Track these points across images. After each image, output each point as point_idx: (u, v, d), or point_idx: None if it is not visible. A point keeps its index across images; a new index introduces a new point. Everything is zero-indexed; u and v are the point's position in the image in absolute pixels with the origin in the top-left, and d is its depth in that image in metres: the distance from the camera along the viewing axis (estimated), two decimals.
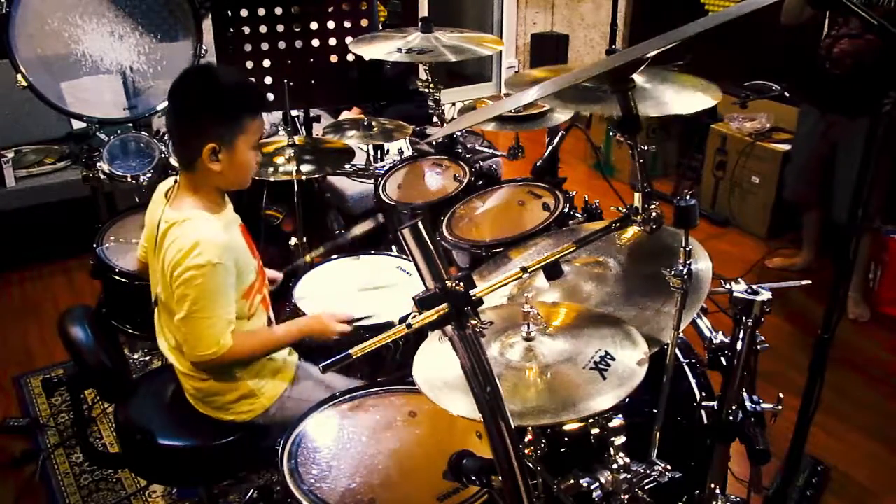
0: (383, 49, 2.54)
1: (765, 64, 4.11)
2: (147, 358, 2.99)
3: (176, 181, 1.84)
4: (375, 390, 1.78)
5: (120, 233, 2.67)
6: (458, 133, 2.73)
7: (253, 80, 2.75)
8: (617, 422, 1.36)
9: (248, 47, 2.77)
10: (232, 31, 2.74)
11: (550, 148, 2.48)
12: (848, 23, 3.05)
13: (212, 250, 1.67)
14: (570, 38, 6.14)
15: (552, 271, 1.65)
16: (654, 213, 1.37)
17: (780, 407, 1.45)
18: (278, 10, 2.76)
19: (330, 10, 2.83)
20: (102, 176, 2.97)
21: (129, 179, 2.96)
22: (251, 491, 1.89)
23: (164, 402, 1.97)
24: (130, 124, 3.18)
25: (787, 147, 3.81)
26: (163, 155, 3.01)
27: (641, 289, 1.64)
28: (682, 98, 1.47)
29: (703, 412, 1.67)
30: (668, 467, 1.43)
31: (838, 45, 3.07)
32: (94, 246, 2.59)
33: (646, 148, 1.45)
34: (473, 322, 1.04)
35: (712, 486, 1.53)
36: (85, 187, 3.07)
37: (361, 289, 2.22)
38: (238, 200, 1.91)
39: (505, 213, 2.36)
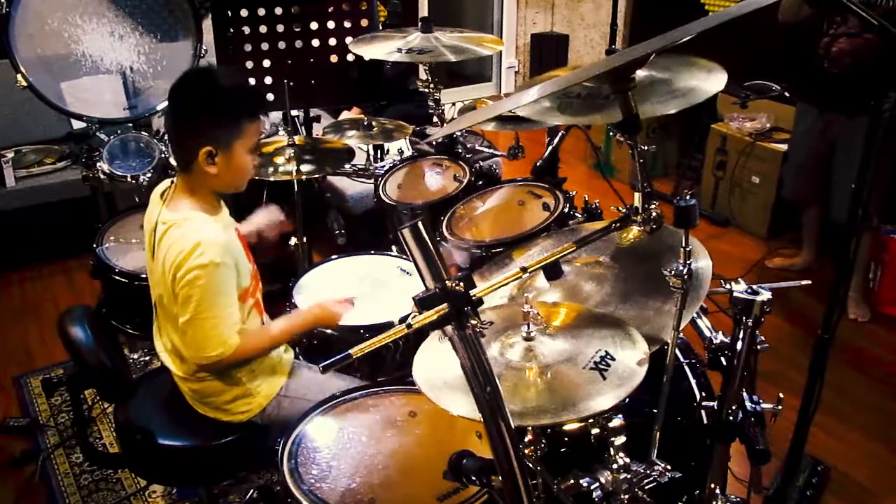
0: (383, 49, 2.54)
1: (765, 64, 4.11)
2: (147, 358, 2.98)
3: (172, 183, 1.83)
4: (375, 390, 1.78)
5: (120, 233, 2.67)
6: (458, 133, 2.73)
7: (253, 80, 2.76)
8: (617, 422, 1.36)
9: (248, 47, 2.77)
10: (232, 31, 2.74)
11: (550, 148, 2.48)
12: (846, 21, 3.05)
13: (214, 250, 1.67)
14: (570, 38, 6.14)
15: (552, 271, 1.65)
16: (654, 213, 1.37)
17: (780, 407, 1.45)
18: (278, 10, 2.76)
19: (330, 10, 2.83)
20: (102, 176, 2.97)
21: (129, 179, 2.96)
22: (251, 491, 1.89)
23: (163, 402, 1.97)
24: (130, 124, 3.18)
25: (786, 147, 3.81)
26: (163, 155, 3.01)
27: (641, 289, 1.64)
28: (694, 85, 1.45)
29: (703, 412, 1.67)
30: (668, 467, 1.43)
31: (836, 44, 3.07)
32: (94, 246, 2.59)
33: (646, 148, 1.45)
34: (473, 322, 1.04)
35: (712, 486, 1.53)
36: (85, 187, 3.07)
37: (361, 289, 2.22)
38: (238, 200, 1.91)
39: (505, 213, 2.36)
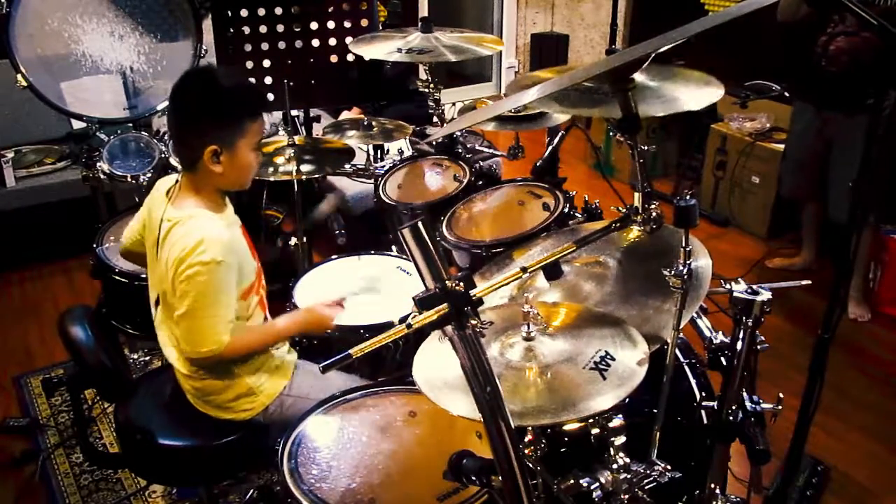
0: (383, 49, 2.54)
1: (764, 64, 4.11)
2: (147, 358, 2.99)
3: (177, 180, 1.84)
4: (375, 390, 1.78)
5: (120, 233, 2.65)
6: (458, 133, 2.73)
7: (253, 80, 2.75)
8: (617, 422, 1.36)
9: (248, 47, 2.77)
10: (232, 31, 2.74)
11: (550, 148, 2.48)
12: (844, 20, 3.06)
13: (216, 247, 1.67)
14: (570, 38, 6.14)
15: (552, 271, 1.65)
16: (654, 213, 1.37)
17: (780, 407, 1.45)
18: (278, 10, 2.76)
19: (330, 10, 2.83)
20: (102, 176, 2.97)
21: (129, 179, 2.96)
22: (251, 491, 1.89)
23: (164, 402, 1.97)
24: (130, 124, 3.18)
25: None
26: (163, 155, 3.01)
27: (641, 288, 1.64)
28: (690, 93, 1.46)
29: (703, 412, 1.67)
30: (668, 467, 1.44)
31: (834, 43, 3.08)
32: (94, 246, 2.59)
33: (646, 148, 1.45)
34: (473, 322, 1.04)
35: (712, 486, 1.53)
36: (85, 187, 3.07)
37: (361, 289, 2.22)
38: (238, 200, 1.92)
39: (505, 213, 2.36)
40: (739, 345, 1.40)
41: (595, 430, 1.37)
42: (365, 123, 2.80)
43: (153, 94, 3.20)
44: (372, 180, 2.73)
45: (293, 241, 2.67)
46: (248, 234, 1.91)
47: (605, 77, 1.33)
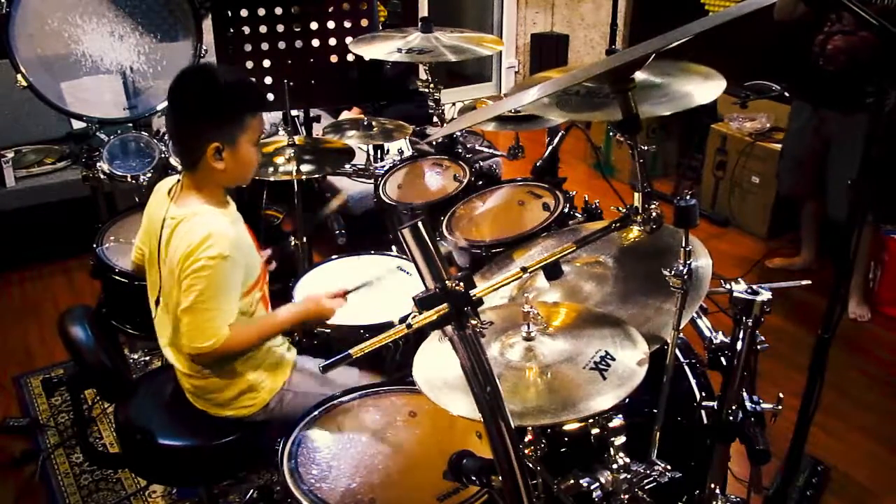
0: (383, 49, 2.54)
1: (764, 64, 4.11)
2: (147, 358, 2.99)
3: (178, 180, 1.84)
4: (375, 390, 1.78)
5: (120, 233, 2.67)
6: (458, 133, 2.73)
7: (253, 80, 2.75)
8: (617, 422, 1.36)
9: (248, 47, 2.77)
10: (232, 31, 2.74)
11: (550, 148, 2.48)
12: (841, 19, 3.06)
13: (223, 243, 1.68)
14: (570, 38, 6.14)
15: (552, 271, 1.65)
16: (654, 213, 1.37)
17: (780, 407, 1.45)
18: (278, 10, 2.76)
19: (330, 10, 2.83)
20: (102, 176, 2.97)
21: (129, 179, 2.96)
22: (251, 491, 1.89)
23: (164, 402, 1.97)
24: (130, 124, 3.18)
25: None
26: (163, 155, 3.01)
27: (641, 288, 1.64)
28: (694, 88, 1.46)
29: (703, 412, 1.67)
30: (668, 467, 1.44)
31: (832, 42, 3.08)
32: (94, 246, 2.58)
33: (646, 148, 1.45)
34: (473, 322, 1.04)
35: (712, 486, 1.53)
36: (85, 187, 3.07)
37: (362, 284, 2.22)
38: (238, 200, 1.92)
39: (505, 213, 2.36)
40: (739, 345, 1.40)
41: (595, 430, 1.37)
42: (365, 123, 2.80)
43: (153, 94, 3.20)
44: (372, 180, 2.73)
45: (293, 241, 2.67)
46: (251, 230, 1.92)
47: (605, 77, 1.33)
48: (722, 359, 1.49)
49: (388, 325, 1.90)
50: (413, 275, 2.22)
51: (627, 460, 1.37)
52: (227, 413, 1.88)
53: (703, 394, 1.78)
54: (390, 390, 1.78)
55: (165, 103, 3.15)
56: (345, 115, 3.82)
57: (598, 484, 1.36)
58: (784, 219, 3.98)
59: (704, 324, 1.62)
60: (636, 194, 1.37)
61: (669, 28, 1.21)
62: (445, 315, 1.02)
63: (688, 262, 1.36)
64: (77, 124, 3.77)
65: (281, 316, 1.89)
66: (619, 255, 1.79)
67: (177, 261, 1.70)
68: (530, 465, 1.32)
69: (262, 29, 2.76)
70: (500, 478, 1.12)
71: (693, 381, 1.79)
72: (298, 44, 2.83)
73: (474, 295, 1.04)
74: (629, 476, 1.37)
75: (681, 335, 1.69)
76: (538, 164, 2.45)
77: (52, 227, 3.74)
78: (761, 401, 1.46)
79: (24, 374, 3.12)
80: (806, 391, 1.80)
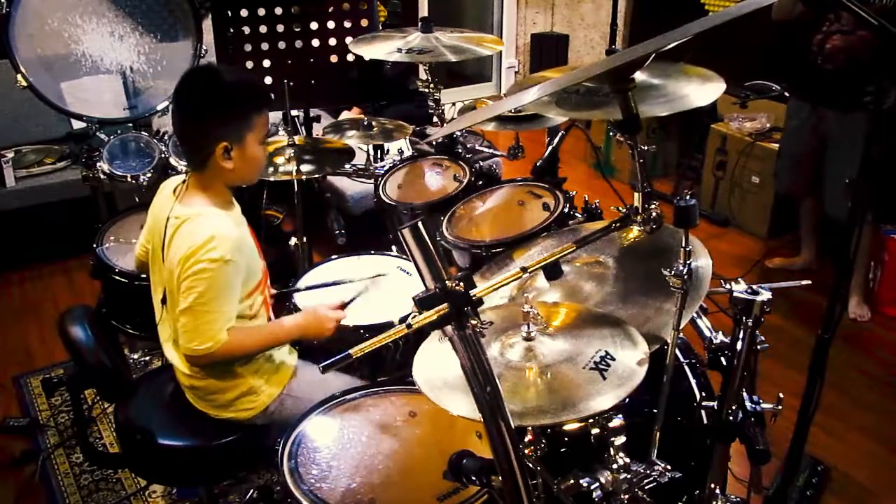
0: (383, 49, 2.54)
1: (764, 64, 4.11)
2: (147, 358, 2.99)
3: (184, 180, 1.84)
4: (375, 390, 1.78)
5: (120, 233, 2.67)
6: (458, 133, 2.73)
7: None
8: (617, 422, 1.36)
9: (248, 47, 2.77)
10: (232, 31, 2.74)
11: (550, 148, 2.47)
12: (839, 19, 3.07)
13: (226, 245, 1.68)
14: (570, 38, 6.14)
15: (552, 271, 1.65)
16: (654, 213, 1.37)
17: (780, 407, 1.45)
18: (278, 10, 2.76)
19: (330, 10, 2.83)
20: (102, 176, 2.97)
21: (129, 179, 2.96)
22: (251, 491, 1.89)
23: (164, 402, 1.97)
24: (130, 124, 3.18)
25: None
26: (163, 155, 3.01)
27: (641, 288, 1.64)
28: (693, 90, 1.46)
29: (703, 412, 1.67)
30: (668, 467, 1.43)
31: (830, 42, 3.09)
32: (94, 246, 2.58)
33: (646, 148, 1.45)
34: (473, 322, 1.04)
35: (712, 486, 1.53)
36: (85, 187, 3.07)
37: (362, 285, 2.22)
38: (238, 200, 1.92)
39: (505, 213, 2.36)
40: (739, 345, 1.40)
41: (595, 430, 1.37)
42: (365, 123, 2.80)
43: (153, 94, 3.20)
44: (372, 180, 2.73)
45: (293, 241, 2.67)
46: (254, 233, 1.92)
47: (605, 77, 1.33)
48: (722, 359, 1.49)
49: (388, 325, 1.90)
50: (413, 275, 2.22)
51: (627, 460, 1.37)
52: (228, 415, 1.88)
53: (703, 394, 1.78)
54: (390, 390, 1.78)
55: (165, 103, 3.16)
56: (345, 115, 3.82)
57: (598, 484, 1.36)
58: (784, 219, 3.98)
59: (704, 324, 1.62)
60: (636, 194, 1.37)
61: (669, 28, 1.21)
62: (445, 315, 1.02)
63: (688, 262, 1.36)
64: (77, 124, 3.77)
65: (281, 327, 1.89)
66: (619, 255, 1.79)
67: (177, 261, 1.70)
68: (530, 465, 1.32)
69: (262, 29, 2.77)
70: (500, 478, 1.12)
71: (693, 381, 1.79)
72: (298, 44, 2.83)
73: (474, 295, 1.04)
74: (629, 476, 1.37)
75: (681, 335, 1.69)
76: (538, 164, 2.45)
77: (52, 227, 3.74)
78: (761, 401, 1.46)
79: (24, 374, 3.12)
80: (806, 391, 1.80)
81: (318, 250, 2.96)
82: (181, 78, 1.78)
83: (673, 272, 1.36)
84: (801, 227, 3.74)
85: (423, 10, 5.82)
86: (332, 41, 2.86)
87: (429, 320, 1.03)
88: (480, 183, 2.54)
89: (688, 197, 1.32)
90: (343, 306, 1.97)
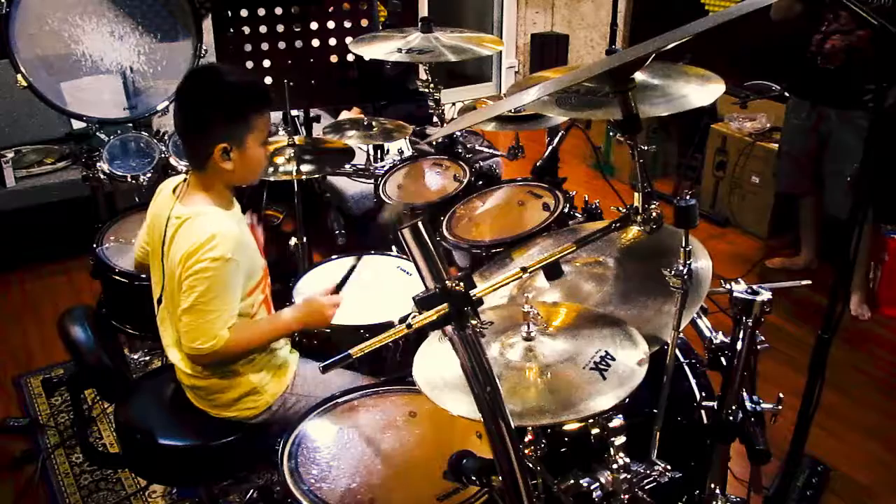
0: (383, 49, 2.54)
1: (764, 64, 4.11)
2: (147, 358, 2.98)
3: (184, 180, 1.84)
4: (375, 390, 1.78)
5: (120, 233, 2.67)
6: (458, 133, 2.73)
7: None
8: (617, 422, 1.35)
9: (248, 47, 2.77)
10: (232, 31, 2.74)
11: (550, 148, 2.48)
12: (838, 18, 3.08)
13: (227, 244, 1.68)
14: (570, 38, 6.14)
15: (552, 271, 1.65)
16: (654, 213, 1.37)
17: (780, 407, 1.45)
18: (278, 10, 2.76)
19: (330, 10, 2.83)
20: (102, 176, 2.97)
21: (129, 179, 2.96)
22: (251, 491, 1.89)
23: (164, 402, 1.97)
24: (130, 124, 3.18)
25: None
26: (163, 155, 3.01)
27: (641, 288, 1.64)
28: (693, 90, 1.46)
29: (703, 412, 1.67)
30: (668, 467, 1.44)
31: (830, 41, 3.10)
32: (94, 246, 2.58)
33: (646, 148, 1.45)
34: (473, 322, 1.04)
35: (712, 486, 1.53)
36: (85, 187, 3.07)
37: (361, 288, 2.22)
38: (240, 199, 1.92)
39: (505, 213, 2.36)
40: (739, 345, 1.40)
41: (595, 430, 1.37)
42: (365, 123, 2.80)
43: (153, 94, 3.20)
44: (372, 180, 2.73)
45: (293, 241, 2.67)
46: (255, 232, 1.92)
47: (605, 77, 1.33)
48: (722, 359, 1.49)
49: (388, 325, 1.90)
50: (413, 275, 2.22)
51: (627, 460, 1.37)
52: (229, 415, 1.88)
53: (703, 394, 1.78)
54: (390, 390, 1.78)
55: (165, 103, 3.16)
56: (345, 115, 3.82)
57: (598, 484, 1.36)
58: (784, 219, 3.98)
59: (704, 324, 1.62)
60: (636, 194, 1.37)
61: (669, 28, 1.21)
62: (445, 315, 1.02)
63: (688, 262, 1.36)
64: (77, 124, 3.78)
65: (281, 320, 1.89)
66: (619, 255, 1.79)
67: (178, 260, 1.70)
68: (530, 465, 1.32)
69: (262, 29, 2.77)
70: (500, 478, 1.12)
71: (693, 381, 1.79)
72: (298, 44, 2.83)
73: (474, 295, 1.04)
74: (629, 476, 1.37)
75: (681, 335, 1.69)
76: (538, 164, 2.45)
77: (52, 227, 3.74)
78: (761, 401, 1.46)
79: (24, 374, 3.12)
80: (806, 391, 1.80)
81: (318, 250, 2.96)
82: (183, 78, 1.79)
83: (673, 272, 1.36)
84: (800, 227, 3.74)
85: (423, 10, 5.82)
86: (332, 41, 2.87)
87: (429, 320, 1.03)
88: (480, 183, 2.54)
89: (688, 197, 1.32)
90: (336, 290, 1.97)
